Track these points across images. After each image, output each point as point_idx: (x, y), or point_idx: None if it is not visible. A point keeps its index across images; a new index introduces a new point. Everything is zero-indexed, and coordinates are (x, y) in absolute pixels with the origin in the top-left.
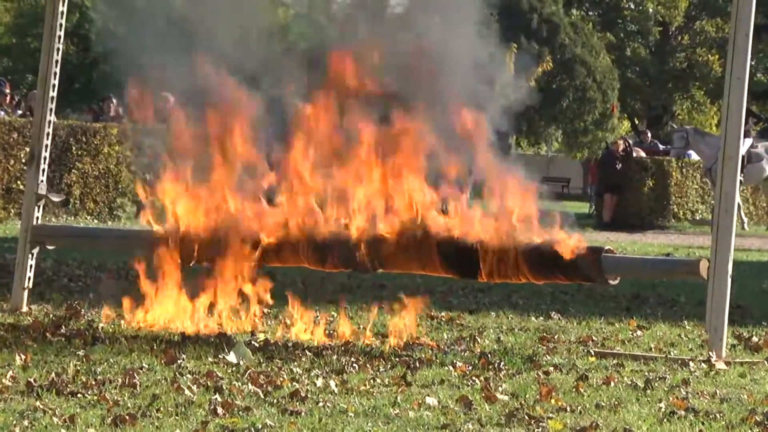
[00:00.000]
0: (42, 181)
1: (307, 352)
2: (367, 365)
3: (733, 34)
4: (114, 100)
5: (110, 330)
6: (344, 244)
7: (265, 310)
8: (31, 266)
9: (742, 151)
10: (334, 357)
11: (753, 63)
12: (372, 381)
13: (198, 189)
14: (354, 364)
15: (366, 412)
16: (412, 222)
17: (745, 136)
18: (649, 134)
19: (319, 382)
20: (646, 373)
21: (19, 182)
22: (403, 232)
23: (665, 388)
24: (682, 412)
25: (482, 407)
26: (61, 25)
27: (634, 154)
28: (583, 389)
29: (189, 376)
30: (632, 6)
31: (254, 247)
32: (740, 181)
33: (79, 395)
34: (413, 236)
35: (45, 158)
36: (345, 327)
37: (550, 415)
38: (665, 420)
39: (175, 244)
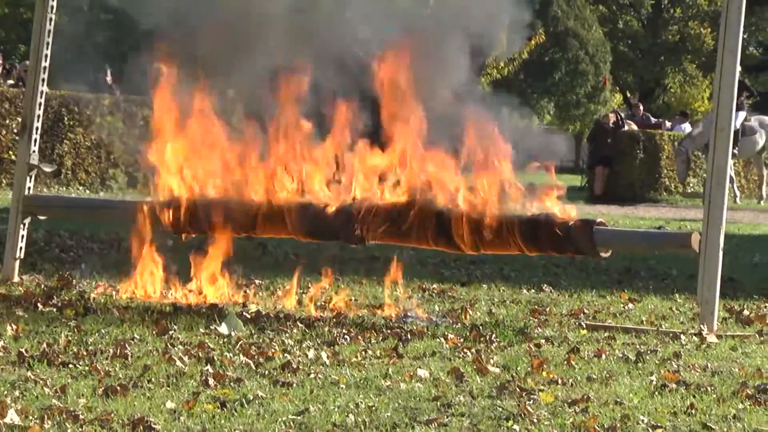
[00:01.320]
0: (34, 151)
1: (298, 323)
2: (359, 337)
3: (726, 6)
4: (110, 71)
5: (102, 301)
6: (337, 216)
7: (257, 282)
8: (22, 237)
9: (737, 124)
10: (326, 329)
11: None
12: (363, 353)
13: (189, 159)
14: (345, 336)
15: (357, 384)
16: (405, 193)
17: (738, 109)
18: (641, 107)
19: (311, 354)
20: (638, 346)
21: (10, 152)
22: (396, 204)
23: (656, 362)
24: (674, 385)
25: (474, 379)
26: None
27: (626, 127)
28: (575, 362)
29: (180, 347)
30: None
31: (246, 218)
32: (734, 154)
33: (70, 366)
34: (406, 208)
35: (37, 128)
36: (337, 298)
37: (542, 387)
38: (656, 393)
39: (165, 215)
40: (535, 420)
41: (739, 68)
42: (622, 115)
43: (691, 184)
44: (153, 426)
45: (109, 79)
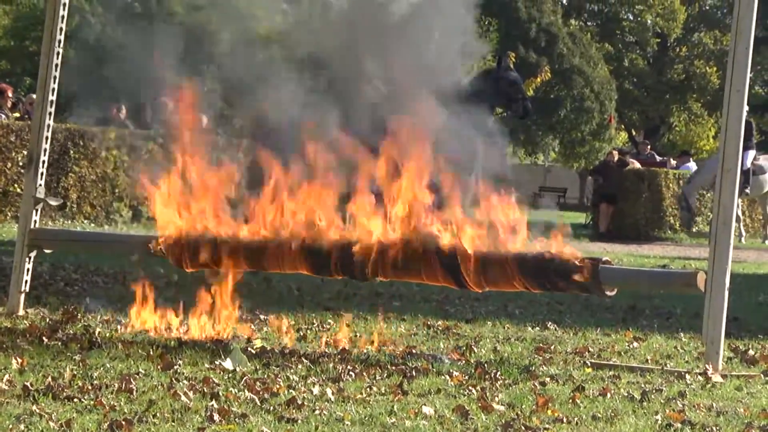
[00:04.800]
0: (40, 185)
1: (303, 359)
2: (364, 373)
3: (734, 46)
4: (123, 107)
5: (107, 335)
6: (342, 251)
7: (261, 317)
8: (28, 270)
9: (747, 163)
10: (331, 365)
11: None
12: (368, 389)
13: (194, 194)
14: (351, 372)
15: (362, 421)
16: (411, 231)
17: (747, 149)
18: (648, 145)
19: (316, 390)
20: (643, 385)
21: (16, 185)
22: (403, 241)
23: (662, 401)
24: (679, 425)
25: (479, 417)
26: (61, 29)
27: (630, 165)
28: (580, 400)
29: (185, 381)
30: (631, 17)
31: (249, 253)
32: (746, 192)
33: (75, 400)
34: (413, 245)
35: (44, 162)
36: (342, 335)
37: (547, 426)
38: None
39: (171, 250)
40: None
41: (746, 108)
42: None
43: (696, 223)
44: None
45: (122, 115)
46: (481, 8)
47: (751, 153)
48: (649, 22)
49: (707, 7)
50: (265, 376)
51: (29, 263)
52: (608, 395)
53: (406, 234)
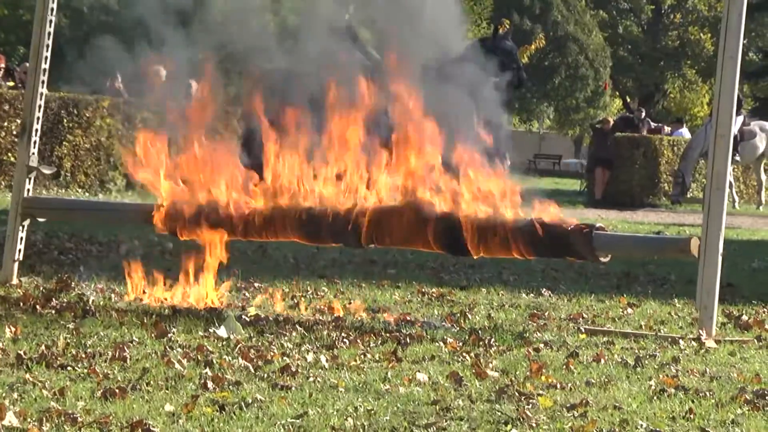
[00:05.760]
0: (33, 153)
1: (297, 326)
2: (358, 340)
3: (726, 13)
4: (119, 76)
5: (101, 303)
6: (336, 219)
7: (256, 285)
8: (21, 238)
9: (734, 130)
10: (325, 332)
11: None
12: (362, 356)
13: (188, 162)
14: (345, 340)
15: (356, 388)
16: (406, 198)
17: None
18: (644, 112)
19: (310, 357)
20: (636, 351)
21: (9, 154)
22: (397, 208)
23: (655, 366)
24: (672, 390)
25: (473, 383)
26: None
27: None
28: (574, 366)
29: (179, 349)
30: None
31: (243, 220)
32: (736, 160)
33: (68, 368)
34: (407, 212)
35: (37, 130)
36: (336, 302)
37: (540, 391)
38: (655, 397)
39: (164, 217)
40: (533, 424)
41: (738, 74)
42: (644, 113)
43: (690, 190)
44: (151, 429)
45: (118, 84)
46: None
47: (739, 119)
48: None
49: None
50: (259, 343)
51: (23, 232)
52: (602, 361)
53: (404, 201)
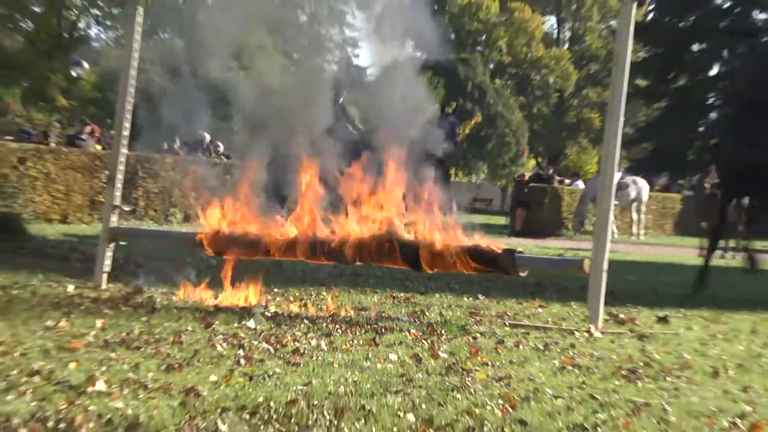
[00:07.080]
0: (117, 195)
1: (305, 320)
2: (348, 330)
3: (612, 99)
4: (177, 140)
5: (165, 303)
6: (331, 244)
7: (275, 290)
8: (108, 257)
9: (615, 181)
10: (324, 324)
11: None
12: (351, 342)
13: (232, 206)
14: (338, 330)
15: (346, 364)
16: (381, 229)
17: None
18: (551, 169)
19: (313, 342)
20: (545, 339)
21: (100, 196)
22: (375, 237)
23: (558, 350)
24: (570, 367)
25: (429, 362)
26: (132, 84)
27: (554, 177)
28: (500, 350)
29: (220, 336)
30: (538, 78)
31: (268, 246)
32: (615, 203)
33: (141, 349)
34: (382, 239)
35: (120, 179)
36: (332, 303)
37: (477, 368)
38: (558, 373)
39: (210, 243)
40: (472, 391)
41: (619, 142)
42: (552, 170)
43: (584, 225)
44: (200, 393)
45: (176, 146)
46: (431, 70)
47: (617, 174)
48: (551, 81)
49: (592, 71)
50: (277, 332)
51: (109, 251)
52: (521, 346)
53: (378, 231)
